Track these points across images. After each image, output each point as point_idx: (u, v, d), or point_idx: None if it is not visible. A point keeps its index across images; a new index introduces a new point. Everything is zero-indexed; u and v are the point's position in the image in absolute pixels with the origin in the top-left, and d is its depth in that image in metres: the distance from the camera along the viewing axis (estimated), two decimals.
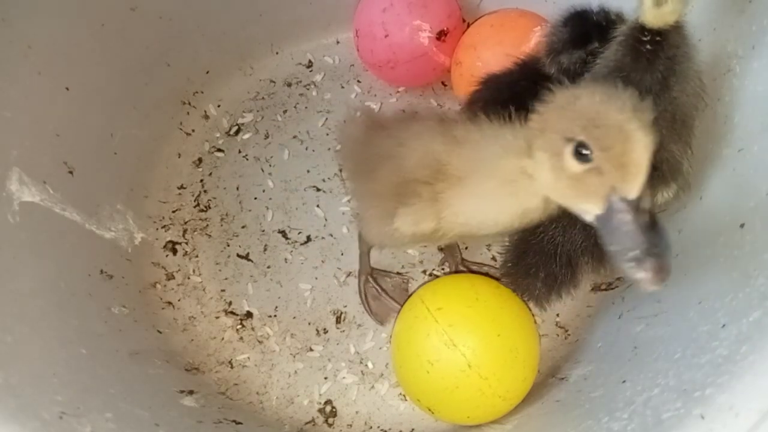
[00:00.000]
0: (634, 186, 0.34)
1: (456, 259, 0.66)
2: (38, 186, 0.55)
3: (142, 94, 0.70)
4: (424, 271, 0.67)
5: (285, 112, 0.77)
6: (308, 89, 0.78)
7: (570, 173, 0.35)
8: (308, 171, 0.73)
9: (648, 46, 0.44)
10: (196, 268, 0.69)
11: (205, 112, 0.77)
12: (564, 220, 0.50)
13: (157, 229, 0.70)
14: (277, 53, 0.80)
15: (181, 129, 0.76)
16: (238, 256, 0.69)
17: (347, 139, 0.59)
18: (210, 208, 0.72)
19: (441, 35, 0.71)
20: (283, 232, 0.70)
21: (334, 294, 0.67)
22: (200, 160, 0.75)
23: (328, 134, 0.75)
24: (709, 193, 0.52)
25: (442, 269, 0.67)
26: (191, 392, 0.57)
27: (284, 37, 0.79)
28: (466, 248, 0.67)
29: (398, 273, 0.66)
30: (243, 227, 0.71)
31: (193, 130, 0.76)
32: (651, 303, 0.53)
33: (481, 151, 0.43)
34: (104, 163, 0.65)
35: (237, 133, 0.76)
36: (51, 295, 0.52)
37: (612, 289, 0.62)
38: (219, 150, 0.75)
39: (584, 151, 0.34)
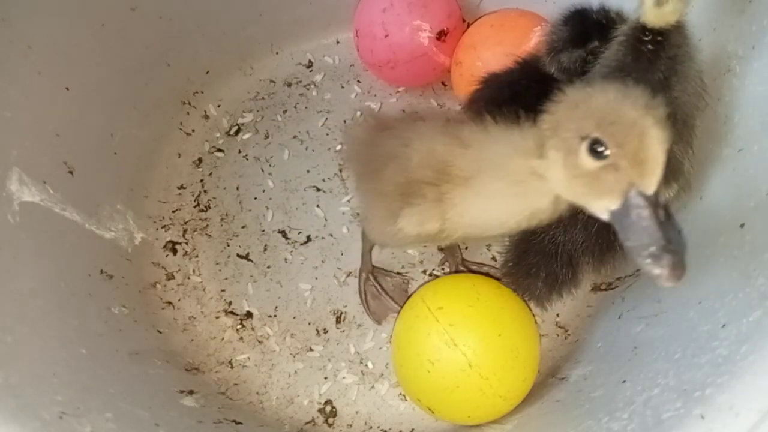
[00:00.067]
0: (652, 181, 0.34)
1: (456, 259, 0.66)
2: (38, 186, 0.55)
3: (142, 94, 0.70)
4: (424, 271, 0.67)
5: (285, 112, 0.77)
6: (308, 89, 0.79)
7: (585, 171, 0.35)
8: (308, 171, 0.73)
9: (649, 46, 0.44)
10: (196, 268, 0.69)
11: (205, 112, 0.77)
12: (565, 219, 0.50)
13: (157, 229, 0.70)
14: (277, 53, 0.80)
15: (181, 129, 0.76)
16: (238, 256, 0.69)
17: (352, 140, 0.59)
18: (210, 208, 0.72)
19: (441, 35, 0.71)
20: (283, 232, 0.70)
21: (334, 294, 0.67)
22: (200, 160, 0.75)
23: (328, 134, 0.75)
24: (709, 193, 0.52)
25: (442, 269, 0.67)
26: (191, 392, 0.57)
27: (284, 37, 0.79)
28: (466, 248, 0.67)
29: (399, 273, 0.66)
30: (243, 227, 0.71)
31: (193, 130, 0.77)
32: (651, 303, 0.53)
33: (487, 151, 0.43)
34: (104, 163, 0.65)
35: (237, 133, 0.76)
36: (51, 295, 0.52)
37: (612, 289, 0.62)
38: (219, 150, 0.75)
39: (599, 148, 0.34)
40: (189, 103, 0.77)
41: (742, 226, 0.45)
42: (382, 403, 0.61)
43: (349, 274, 0.67)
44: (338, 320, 0.65)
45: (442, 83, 0.77)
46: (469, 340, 0.51)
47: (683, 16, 0.43)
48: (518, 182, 0.41)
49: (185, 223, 0.71)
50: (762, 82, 0.48)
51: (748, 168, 0.48)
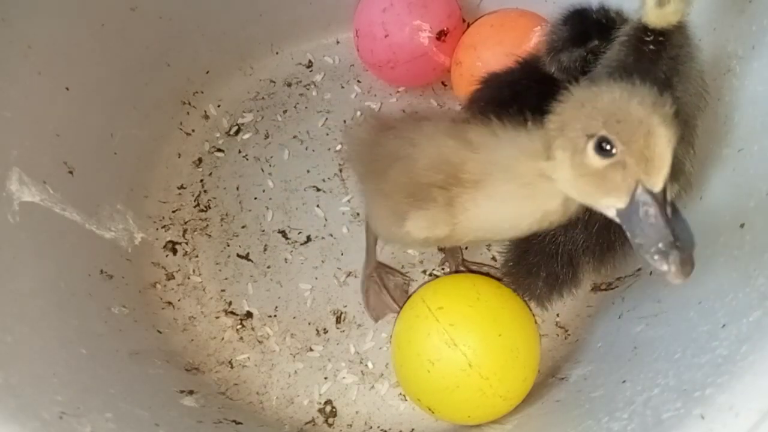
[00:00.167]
0: (659, 178, 0.34)
1: (457, 260, 0.65)
2: (38, 186, 0.55)
3: (142, 94, 0.70)
4: (424, 271, 0.67)
5: (285, 112, 0.77)
6: (308, 89, 0.79)
7: (592, 169, 0.36)
8: (308, 171, 0.73)
9: (651, 46, 0.44)
10: (196, 268, 0.69)
11: (205, 112, 0.77)
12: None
13: (157, 229, 0.70)
14: (277, 53, 0.80)
15: (181, 129, 0.76)
16: (238, 256, 0.69)
17: (354, 140, 0.59)
18: (210, 208, 0.72)
19: (441, 35, 0.71)
20: (283, 232, 0.70)
21: (334, 294, 0.67)
22: (200, 160, 0.75)
23: (328, 134, 0.75)
24: (709, 192, 0.52)
25: (442, 269, 0.67)
26: (191, 392, 0.57)
27: (284, 37, 0.79)
28: (466, 248, 0.67)
29: (401, 273, 0.66)
30: (243, 227, 0.71)
31: (193, 130, 0.77)
32: (651, 303, 0.53)
33: (496, 154, 0.43)
34: (104, 163, 0.65)
35: (237, 133, 0.76)
36: (51, 295, 0.52)
37: (612, 289, 0.62)
38: (219, 150, 0.75)
39: (606, 146, 0.34)
40: (189, 103, 0.77)
41: (742, 226, 0.45)
42: (382, 403, 0.61)
43: (349, 274, 0.67)
44: (338, 320, 0.65)
45: (442, 83, 0.77)
46: (469, 340, 0.51)
47: (685, 16, 0.43)
48: (527, 184, 0.41)
49: (185, 223, 0.71)
50: (762, 82, 0.48)
51: (748, 168, 0.48)
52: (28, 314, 0.48)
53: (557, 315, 0.64)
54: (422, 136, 0.48)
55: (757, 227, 0.44)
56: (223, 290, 0.68)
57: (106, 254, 0.63)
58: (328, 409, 0.61)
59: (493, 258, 0.66)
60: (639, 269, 0.58)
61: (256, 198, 0.72)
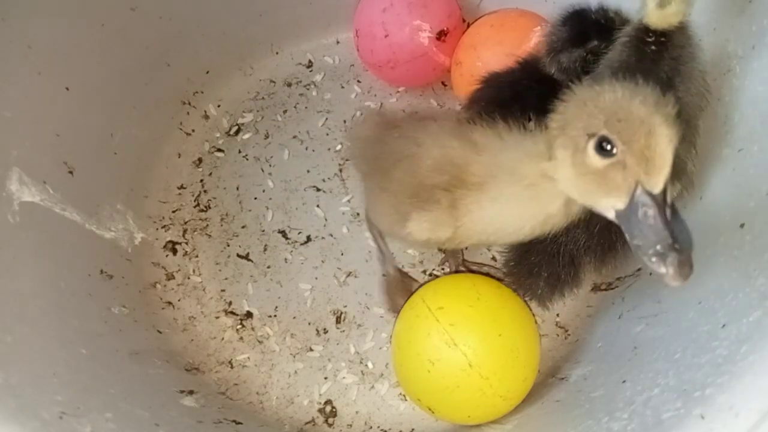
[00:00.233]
0: (659, 179, 0.34)
1: (457, 260, 0.65)
2: (38, 186, 0.55)
3: (142, 94, 0.70)
4: (424, 271, 0.67)
5: (285, 112, 0.77)
6: (308, 89, 0.78)
7: (593, 169, 0.35)
8: (308, 171, 0.73)
9: (652, 47, 0.44)
10: (196, 268, 0.69)
11: (205, 112, 0.77)
12: None
13: (157, 229, 0.70)
14: (277, 53, 0.80)
15: (181, 129, 0.76)
16: (238, 256, 0.69)
17: (357, 138, 0.59)
18: (210, 208, 0.72)
19: (441, 35, 0.71)
20: (283, 232, 0.70)
21: (334, 294, 0.67)
22: (200, 160, 0.75)
23: (328, 134, 0.75)
24: (709, 193, 0.52)
25: (442, 269, 0.67)
26: (191, 392, 0.57)
27: (284, 37, 0.79)
28: (467, 248, 0.67)
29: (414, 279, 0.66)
30: (243, 227, 0.71)
31: (193, 130, 0.76)
32: (651, 303, 0.53)
33: (500, 157, 0.43)
34: (104, 163, 0.65)
35: (237, 133, 0.76)
36: (51, 295, 0.52)
37: (612, 289, 0.62)
38: (219, 150, 0.75)
39: (607, 146, 0.34)
40: (189, 103, 0.77)
41: (742, 226, 0.45)
42: (382, 403, 0.61)
43: (349, 274, 0.67)
44: (338, 320, 0.65)
45: (442, 83, 0.77)
46: (469, 340, 0.51)
47: (686, 17, 0.43)
48: (530, 186, 0.41)
49: (185, 223, 0.71)
50: (762, 82, 0.48)
51: (748, 168, 0.48)
52: (28, 314, 0.48)
53: (557, 315, 0.64)
54: (427, 137, 0.48)
55: (757, 227, 0.44)
56: (223, 290, 0.68)
57: (106, 254, 0.63)
58: (328, 409, 0.61)
59: (494, 258, 0.66)
60: (639, 269, 0.58)
61: (256, 198, 0.72)
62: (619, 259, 0.52)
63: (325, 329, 0.65)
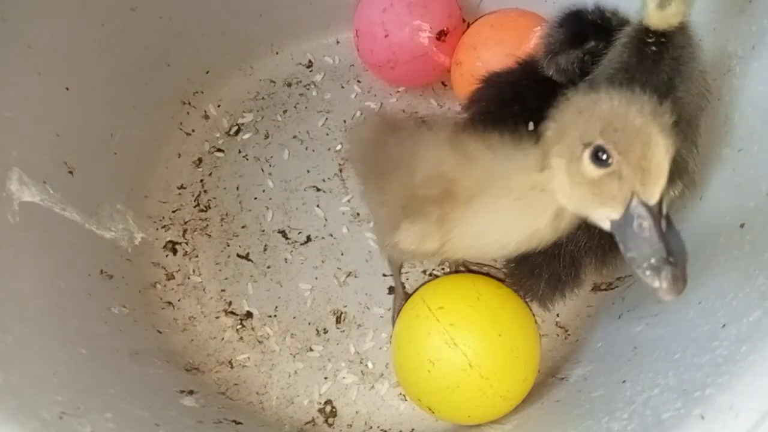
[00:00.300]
0: (655, 190, 0.33)
1: (457, 260, 0.65)
2: (38, 186, 0.55)
3: (142, 94, 0.70)
4: (424, 271, 0.67)
5: (285, 112, 0.77)
6: (308, 89, 0.79)
7: (588, 178, 0.35)
8: (308, 171, 0.73)
9: (653, 48, 0.44)
10: (196, 268, 0.69)
11: (205, 112, 0.77)
12: None
13: (157, 229, 0.70)
14: (277, 53, 0.80)
15: (181, 129, 0.76)
16: (238, 256, 0.69)
17: (357, 140, 0.59)
18: (210, 208, 0.72)
19: (441, 35, 0.70)
20: (283, 232, 0.70)
21: (334, 294, 0.67)
22: (200, 160, 0.75)
23: (328, 134, 0.75)
24: (709, 193, 0.52)
25: (442, 269, 0.67)
26: (191, 392, 0.57)
27: (284, 37, 0.79)
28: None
29: None
30: (243, 227, 0.71)
31: (193, 130, 0.77)
32: (651, 303, 0.53)
33: (491, 170, 0.43)
34: (104, 163, 0.65)
35: (237, 133, 0.76)
36: (51, 295, 0.52)
37: (612, 289, 0.62)
38: (219, 150, 0.75)
39: (603, 155, 0.34)
40: (189, 103, 0.77)
41: (742, 226, 0.45)
42: (382, 403, 0.61)
43: (349, 274, 0.67)
44: (338, 320, 0.65)
45: (442, 83, 0.77)
46: (469, 340, 0.51)
47: (686, 17, 0.43)
48: (520, 198, 0.40)
49: (185, 223, 0.71)
50: (762, 82, 0.48)
51: (748, 168, 0.48)
52: (28, 314, 0.48)
53: (557, 315, 0.64)
54: (422, 147, 0.48)
55: (757, 227, 0.44)
56: (223, 290, 0.68)
57: (106, 254, 0.63)
58: (328, 409, 0.61)
59: (493, 258, 0.67)
60: None
61: (256, 198, 0.72)
62: (619, 259, 0.52)
63: (325, 329, 0.65)
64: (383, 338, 0.64)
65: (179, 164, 0.74)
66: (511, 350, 0.52)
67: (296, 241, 0.70)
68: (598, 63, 0.49)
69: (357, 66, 0.79)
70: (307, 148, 0.75)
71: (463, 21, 0.74)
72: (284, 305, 0.67)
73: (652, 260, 0.33)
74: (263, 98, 0.78)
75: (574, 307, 0.63)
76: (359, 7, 0.74)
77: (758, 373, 0.35)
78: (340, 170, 0.73)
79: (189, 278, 0.68)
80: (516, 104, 0.54)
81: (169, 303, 0.67)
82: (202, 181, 0.74)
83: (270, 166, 0.74)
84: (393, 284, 0.65)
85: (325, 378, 0.63)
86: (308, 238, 0.70)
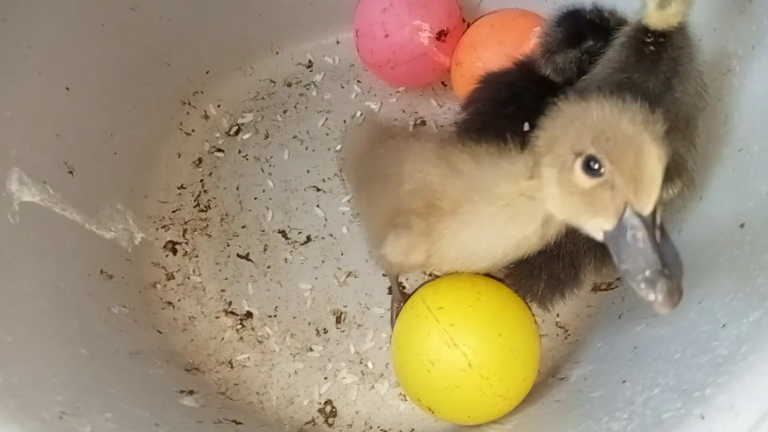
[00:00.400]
0: (648, 200, 0.33)
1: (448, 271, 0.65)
2: (38, 186, 0.55)
3: (142, 94, 0.70)
4: (424, 271, 0.67)
5: (285, 112, 0.77)
6: (308, 89, 0.79)
7: (580, 188, 0.34)
8: (308, 171, 0.73)
9: (651, 47, 0.44)
10: (196, 268, 0.69)
11: (205, 112, 0.77)
12: None
13: (157, 229, 0.70)
14: (277, 53, 0.80)
15: (181, 129, 0.76)
16: (238, 256, 0.69)
17: (349, 152, 0.58)
18: (210, 208, 0.72)
19: (441, 35, 0.71)
20: (283, 232, 0.70)
21: (334, 294, 0.67)
22: (200, 160, 0.75)
23: (328, 134, 0.75)
24: (709, 192, 0.52)
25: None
26: (191, 392, 0.57)
27: (284, 37, 0.79)
28: None
29: None
30: (243, 227, 0.71)
31: (193, 130, 0.77)
32: None
33: (477, 179, 0.42)
34: (104, 163, 0.66)
35: (237, 133, 0.76)
36: (51, 295, 0.52)
37: (612, 289, 0.62)
38: (219, 150, 0.75)
39: (594, 165, 0.33)
40: (189, 103, 0.77)
41: (742, 226, 0.45)
42: (382, 403, 0.61)
43: (349, 274, 0.67)
44: (338, 320, 0.65)
45: (442, 83, 0.77)
46: (469, 340, 0.51)
47: (685, 17, 0.43)
48: (507, 206, 0.40)
49: (185, 223, 0.71)
50: (762, 82, 0.48)
51: (748, 168, 0.48)
52: (28, 314, 0.48)
53: (557, 315, 0.64)
54: (408, 158, 0.48)
55: (757, 227, 0.44)
56: (223, 290, 0.68)
57: (106, 254, 0.63)
58: (328, 409, 0.61)
59: (482, 268, 0.66)
60: None
61: (256, 198, 0.72)
62: None
63: (325, 329, 0.65)
64: (383, 338, 0.64)
65: (179, 164, 0.74)
66: (511, 350, 0.52)
67: (296, 241, 0.70)
68: (595, 62, 0.49)
69: (357, 66, 0.79)
70: (307, 148, 0.75)
71: (463, 21, 0.74)
72: (284, 305, 0.67)
73: (647, 272, 0.32)
74: (263, 98, 0.78)
75: (574, 307, 0.63)
76: (359, 7, 0.74)
77: (758, 373, 0.35)
78: (340, 170, 0.73)
79: (189, 278, 0.68)
80: (512, 105, 0.54)
81: (169, 303, 0.67)
82: (202, 181, 0.74)
83: (270, 166, 0.74)
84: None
85: (325, 378, 0.63)
86: (308, 238, 0.70)
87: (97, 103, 0.64)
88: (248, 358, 0.64)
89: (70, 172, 0.60)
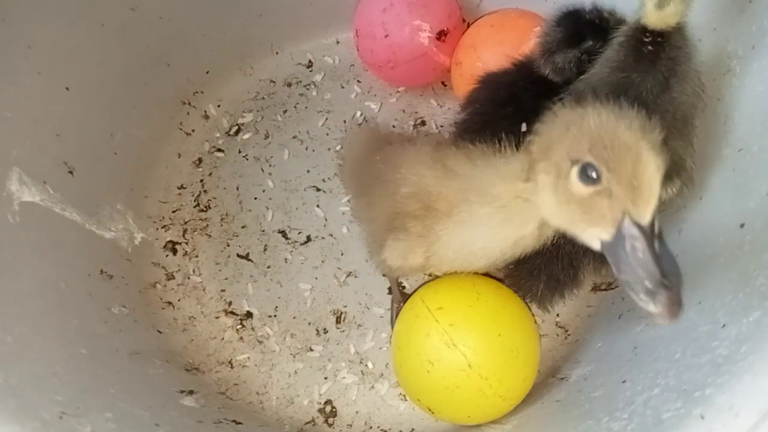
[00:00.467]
0: (647, 209, 0.32)
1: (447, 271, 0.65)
2: (38, 186, 0.55)
3: (142, 94, 0.70)
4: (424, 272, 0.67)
5: (285, 112, 0.77)
6: (308, 89, 0.79)
7: (576, 197, 0.34)
8: (308, 171, 0.73)
9: (650, 47, 0.44)
10: (196, 268, 0.69)
11: (205, 112, 0.77)
12: None
13: (157, 229, 0.70)
14: (277, 53, 0.80)
15: (181, 129, 0.76)
16: (238, 256, 0.69)
17: (347, 157, 0.58)
18: (210, 208, 0.72)
19: (441, 35, 0.71)
20: (283, 232, 0.70)
21: (334, 294, 0.67)
22: (200, 160, 0.75)
23: (328, 134, 0.75)
24: (709, 193, 0.52)
25: None
26: (191, 392, 0.57)
27: (284, 37, 0.79)
28: None
29: None
30: (243, 227, 0.71)
31: (193, 130, 0.77)
32: None
33: (473, 181, 0.42)
34: (104, 163, 0.66)
35: (237, 133, 0.76)
36: (51, 295, 0.52)
37: (612, 289, 0.62)
38: (219, 150, 0.75)
39: (591, 173, 0.33)
40: (189, 103, 0.77)
41: (742, 226, 0.45)
42: (382, 403, 0.61)
43: (349, 274, 0.67)
44: (338, 320, 0.65)
45: (442, 83, 0.77)
46: (468, 340, 0.51)
47: (684, 17, 0.43)
48: (503, 207, 0.40)
49: (185, 223, 0.71)
50: (762, 82, 0.48)
51: (748, 168, 0.48)
52: (28, 314, 0.48)
53: (557, 315, 0.64)
54: (404, 162, 0.48)
55: (757, 227, 0.44)
56: (223, 290, 0.68)
57: (106, 254, 0.63)
58: (328, 409, 0.61)
59: (480, 269, 0.66)
60: None
61: (256, 198, 0.72)
62: None
63: (325, 329, 0.65)
64: (383, 338, 0.64)
65: (179, 164, 0.74)
66: (510, 350, 0.52)
67: (296, 241, 0.70)
68: (594, 62, 0.49)
69: (357, 66, 0.79)
70: (307, 148, 0.75)
71: (463, 21, 0.74)
72: (284, 305, 0.67)
73: (647, 283, 0.32)
74: (263, 98, 0.78)
75: (574, 307, 0.63)
76: (359, 7, 0.74)
77: (758, 373, 0.35)
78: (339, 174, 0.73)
79: (189, 278, 0.68)
80: (510, 105, 0.54)
81: (169, 303, 0.67)
82: (202, 181, 0.74)
83: (270, 166, 0.74)
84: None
85: (325, 378, 0.63)
86: (308, 238, 0.70)
87: (97, 103, 0.64)
88: (248, 358, 0.64)
89: (70, 172, 0.60)
